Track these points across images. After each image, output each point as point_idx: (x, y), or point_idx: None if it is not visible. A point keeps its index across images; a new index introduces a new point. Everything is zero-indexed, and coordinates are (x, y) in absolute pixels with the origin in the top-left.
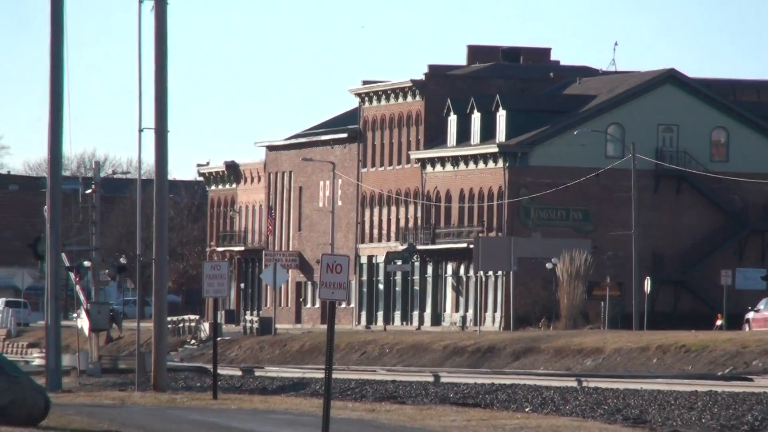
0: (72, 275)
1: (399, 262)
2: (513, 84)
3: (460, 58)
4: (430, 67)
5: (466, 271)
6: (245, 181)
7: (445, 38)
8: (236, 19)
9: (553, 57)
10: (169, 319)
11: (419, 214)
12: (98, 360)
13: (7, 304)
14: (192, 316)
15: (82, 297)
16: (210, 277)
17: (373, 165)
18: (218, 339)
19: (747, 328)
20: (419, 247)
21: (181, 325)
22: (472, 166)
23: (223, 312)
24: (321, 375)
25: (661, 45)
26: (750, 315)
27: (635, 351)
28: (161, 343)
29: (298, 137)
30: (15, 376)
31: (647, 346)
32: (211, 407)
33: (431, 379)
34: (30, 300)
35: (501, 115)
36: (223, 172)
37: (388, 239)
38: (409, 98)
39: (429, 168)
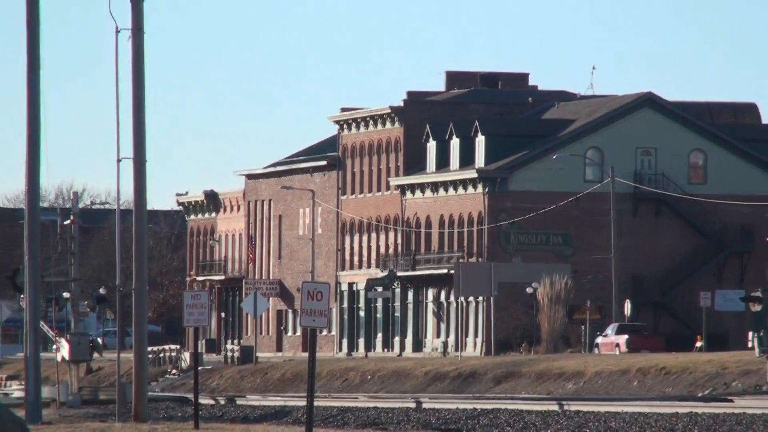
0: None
1: (379, 289)
2: (491, 109)
3: (438, 84)
4: (409, 93)
5: (447, 296)
6: (225, 210)
7: (423, 64)
8: (214, 48)
9: (531, 82)
10: (149, 349)
11: (399, 240)
12: (78, 391)
13: None
14: (172, 346)
15: (49, 331)
16: (190, 306)
17: (353, 192)
18: (199, 368)
19: (597, 351)
20: (400, 274)
21: (161, 354)
22: (451, 191)
23: (203, 341)
24: (303, 403)
25: (638, 68)
26: (599, 339)
27: (616, 374)
28: (142, 373)
29: (277, 165)
30: None
31: (628, 369)
32: None
33: (413, 405)
34: (9, 332)
35: (480, 141)
36: (202, 201)
37: (369, 266)
38: (388, 125)
39: (408, 194)
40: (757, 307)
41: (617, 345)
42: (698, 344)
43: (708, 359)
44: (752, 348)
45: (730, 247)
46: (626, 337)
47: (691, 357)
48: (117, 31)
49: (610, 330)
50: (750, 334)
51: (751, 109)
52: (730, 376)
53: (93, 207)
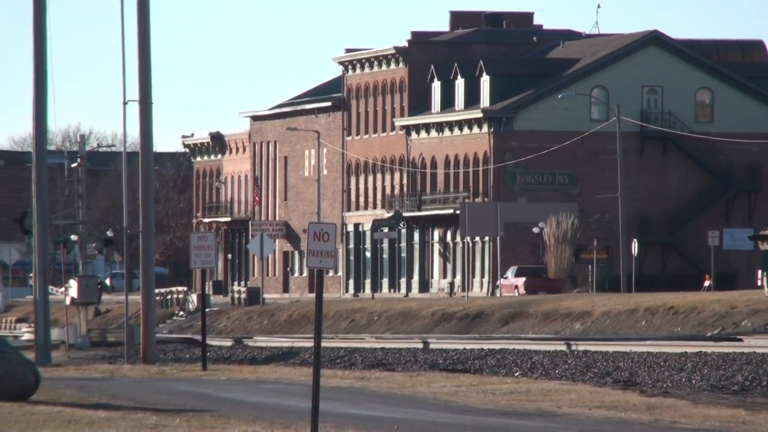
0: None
1: (385, 230)
2: (496, 49)
3: (442, 24)
4: (413, 33)
5: (453, 237)
6: (230, 152)
7: (428, 4)
8: None
9: (536, 21)
10: (156, 291)
11: (405, 181)
12: (87, 333)
13: None
14: (180, 288)
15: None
16: (197, 248)
17: (358, 133)
18: (206, 310)
19: (498, 294)
20: (405, 214)
21: (169, 297)
22: (456, 132)
23: (210, 283)
24: (310, 344)
25: (643, 6)
26: (500, 281)
27: (624, 314)
28: (149, 315)
29: (282, 107)
30: (4, 351)
31: (636, 309)
32: (201, 378)
33: (420, 345)
34: (18, 275)
35: (485, 81)
36: (207, 143)
37: (374, 207)
38: (393, 65)
39: (414, 135)
40: (766, 246)
41: (516, 287)
42: (706, 283)
43: (716, 298)
44: (761, 287)
45: (737, 185)
46: (524, 279)
47: (700, 296)
48: None
49: (510, 273)
50: (759, 272)
51: (758, 47)
52: (739, 315)
53: (100, 150)
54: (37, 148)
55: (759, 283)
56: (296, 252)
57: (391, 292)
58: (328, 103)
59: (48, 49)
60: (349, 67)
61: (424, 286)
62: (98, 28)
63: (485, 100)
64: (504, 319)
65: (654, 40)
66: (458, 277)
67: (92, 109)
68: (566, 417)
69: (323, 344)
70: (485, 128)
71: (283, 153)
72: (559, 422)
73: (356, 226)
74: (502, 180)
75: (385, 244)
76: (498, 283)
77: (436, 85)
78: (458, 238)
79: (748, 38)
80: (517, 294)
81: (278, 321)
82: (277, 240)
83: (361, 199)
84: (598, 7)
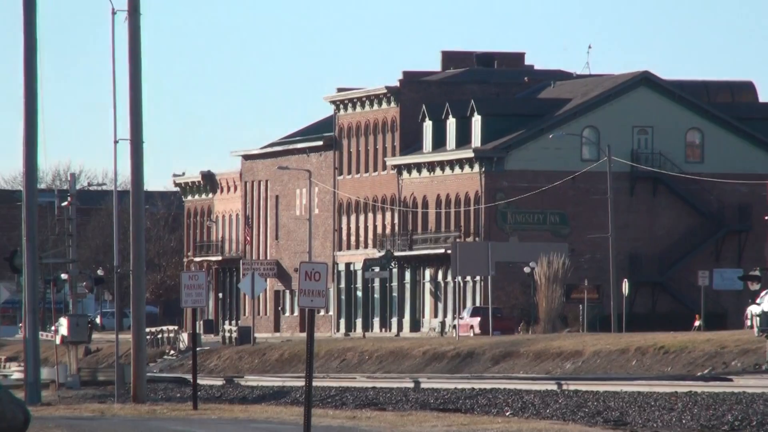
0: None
1: (377, 269)
2: (488, 89)
3: (434, 64)
4: (405, 73)
5: (444, 276)
6: (221, 191)
7: (419, 44)
8: (211, 28)
9: (527, 61)
10: (147, 330)
11: (396, 220)
12: (77, 372)
13: None
14: (170, 327)
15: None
16: (188, 287)
17: (349, 172)
18: (197, 349)
19: (455, 335)
20: (397, 254)
21: (159, 336)
22: (448, 171)
23: (201, 322)
24: (301, 383)
25: (634, 47)
26: (455, 322)
27: (614, 353)
28: (140, 354)
29: (273, 146)
30: None
31: (626, 348)
32: (192, 418)
33: (411, 385)
34: (7, 314)
35: (476, 120)
36: (199, 182)
37: (366, 246)
38: (384, 105)
39: (405, 174)
40: (755, 286)
41: (471, 327)
42: (697, 323)
43: (707, 338)
44: (751, 327)
45: (727, 225)
46: (479, 319)
47: (690, 336)
48: (113, 13)
49: (465, 313)
50: (748, 312)
51: (747, 88)
52: (729, 355)
53: (90, 188)
54: (28, 187)
55: (748, 323)
56: (287, 291)
57: (383, 332)
58: (320, 143)
59: (39, 87)
60: (341, 106)
61: (416, 325)
62: (90, 67)
63: (477, 139)
64: (495, 359)
65: (645, 80)
66: (449, 316)
67: (83, 148)
68: None
69: (314, 383)
70: (476, 168)
71: (275, 192)
72: None
73: (347, 265)
74: (494, 219)
75: (377, 284)
76: (454, 323)
77: (428, 125)
78: (449, 278)
79: (737, 79)
80: (472, 334)
81: (269, 360)
82: (268, 279)
83: (353, 239)
84: (589, 47)
